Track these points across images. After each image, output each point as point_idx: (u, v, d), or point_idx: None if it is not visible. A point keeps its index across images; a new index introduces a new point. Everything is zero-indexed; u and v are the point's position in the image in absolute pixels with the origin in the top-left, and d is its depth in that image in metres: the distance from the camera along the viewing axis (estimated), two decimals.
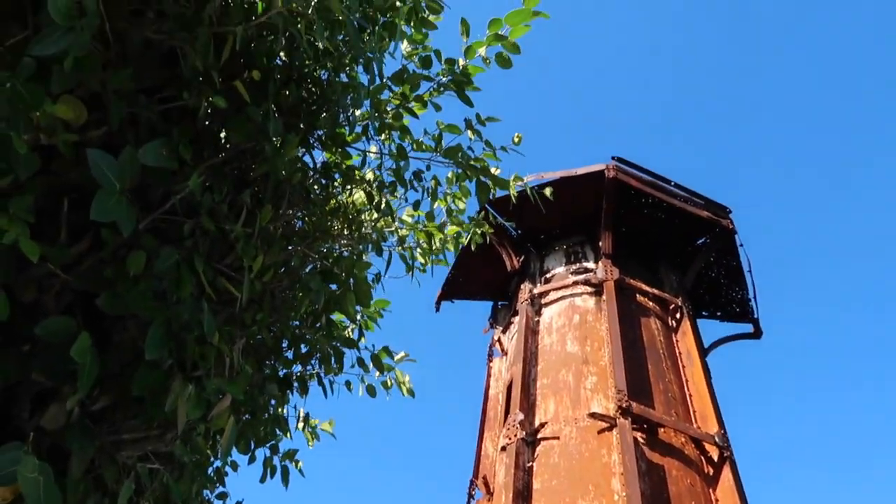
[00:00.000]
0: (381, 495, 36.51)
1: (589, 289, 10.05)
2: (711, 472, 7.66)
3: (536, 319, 10.13)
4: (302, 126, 3.08)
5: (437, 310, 12.99)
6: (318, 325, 3.69)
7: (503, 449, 8.15)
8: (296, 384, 3.71)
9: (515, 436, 7.82)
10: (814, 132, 32.79)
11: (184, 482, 2.65)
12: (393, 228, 4.17)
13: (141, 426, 2.28)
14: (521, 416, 8.06)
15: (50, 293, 2.05)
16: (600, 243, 10.66)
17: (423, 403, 39.84)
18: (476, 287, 12.92)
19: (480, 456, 9.44)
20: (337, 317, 4.00)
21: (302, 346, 3.71)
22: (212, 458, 3.33)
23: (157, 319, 1.93)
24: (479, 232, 4.38)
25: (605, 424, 7.57)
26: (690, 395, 8.70)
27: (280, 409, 3.80)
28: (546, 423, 8.06)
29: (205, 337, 2.07)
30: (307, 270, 3.44)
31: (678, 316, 10.11)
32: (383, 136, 3.62)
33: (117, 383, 2.16)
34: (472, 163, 3.70)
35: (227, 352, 2.18)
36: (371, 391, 4.21)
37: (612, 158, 11.06)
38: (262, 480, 3.39)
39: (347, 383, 4.10)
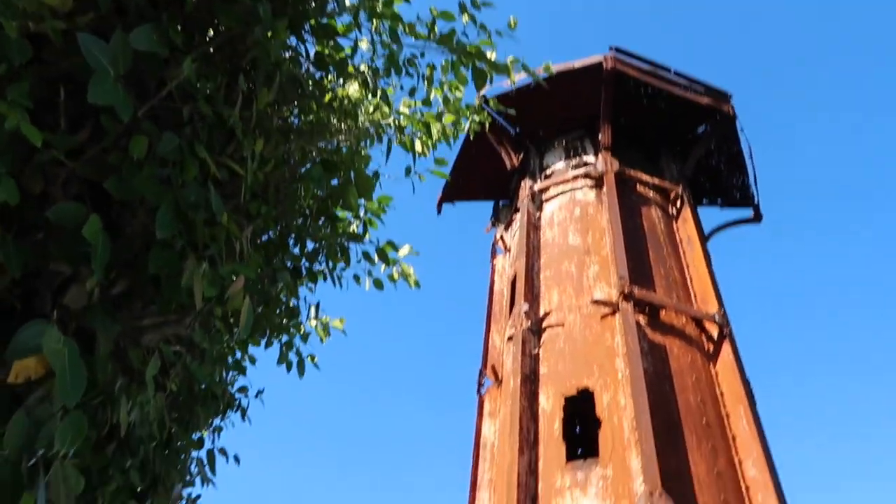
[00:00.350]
0: (392, 391, 37.98)
1: (589, 182, 10.06)
2: (711, 348, 7.93)
3: (538, 215, 10.19)
4: (291, 14, 3.00)
5: (439, 212, 13.05)
6: (321, 220, 3.73)
7: (510, 339, 8.41)
8: (306, 278, 3.79)
9: (521, 325, 8.06)
10: (814, 14, 31.71)
11: (205, 366, 2.77)
12: (390, 120, 4.13)
13: (160, 312, 2.37)
14: (526, 307, 8.27)
15: (56, 183, 2.08)
16: (600, 136, 10.56)
17: (429, 301, 40.71)
18: (476, 187, 12.92)
19: (488, 348, 9.75)
20: (341, 214, 4.04)
21: (308, 243, 3.76)
22: (229, 349, 3.47)
23: (166, 201, 1.97)
24: (476, 120, 4.34)
25: (607, 310, 7.78)
26: (691, 279, 8.87)
27: (290, 302, 3.91)
28: (550, 312, 8.28)
29: (214, 219, 2.12)
30: (307, 167, 3.45)
31: (679, 204, 10.16)
32: (374, 24, 3.53)
33: (133, 270, 2.23)
34: (467, 49, 3.62)
35: (236, 234, 2.24)
36: (378, 284, 4.30)
37: (611, 49, 10.78)
38: (279, 363, 3.55)
39: (356, 277, 4.19)
